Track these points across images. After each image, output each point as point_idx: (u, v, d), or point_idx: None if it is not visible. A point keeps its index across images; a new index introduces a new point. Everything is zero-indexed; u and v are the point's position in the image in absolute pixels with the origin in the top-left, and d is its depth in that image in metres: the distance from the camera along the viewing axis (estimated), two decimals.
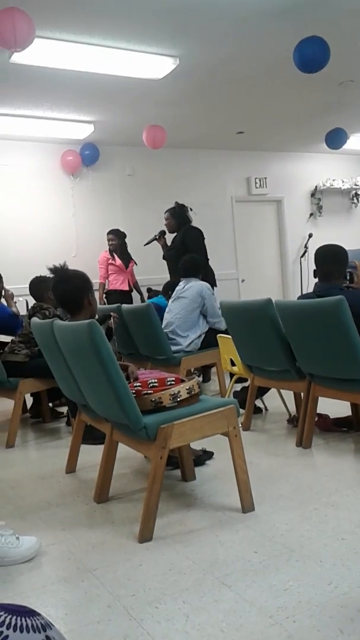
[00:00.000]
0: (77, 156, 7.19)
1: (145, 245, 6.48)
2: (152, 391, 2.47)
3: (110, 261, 6.85)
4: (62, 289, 2.90)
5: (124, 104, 5.99)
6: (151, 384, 2.65)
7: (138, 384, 2.63)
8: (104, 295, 6.89)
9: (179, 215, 5.97)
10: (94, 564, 2.13)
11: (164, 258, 6.27)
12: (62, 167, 7.20)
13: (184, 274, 4.93)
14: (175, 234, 6.03)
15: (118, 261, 6.88)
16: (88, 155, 7.23)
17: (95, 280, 6.80)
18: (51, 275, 2.94)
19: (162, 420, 2.35)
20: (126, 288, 6.97)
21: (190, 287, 4.77)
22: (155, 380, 2.69)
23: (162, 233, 6.30)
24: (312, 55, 4.07)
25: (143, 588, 1.93)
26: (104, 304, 6.51)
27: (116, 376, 2.32)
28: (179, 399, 2.47)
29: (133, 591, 1.91)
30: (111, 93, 5.61)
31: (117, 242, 6.88)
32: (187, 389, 2.51)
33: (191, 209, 6.06)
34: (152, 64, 4.93)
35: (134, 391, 2.47)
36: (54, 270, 2.94)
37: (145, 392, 2.48)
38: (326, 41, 4.13)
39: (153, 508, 2.30)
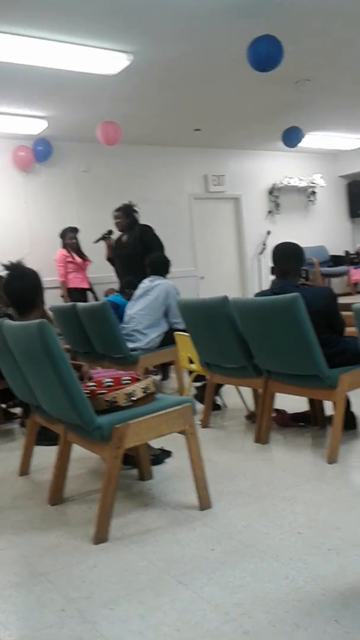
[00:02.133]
0: (29, 152, 7.04)
1: (95, 242, 6.38)
2: (106, 391, 2.43)
3: (68, 259, 6.75)
4: (18, 286, 2.82)
5: (78, 100, 5.90)
6: (106, 384, 2.61)
7: (92, 384, 2.59)
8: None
9: (130, 215, 5.90)
10: (47, 567, 2.07)
11: (108, 259, 6.24)
12: (14, 163, 7.05)
13: (152, 271, 4.91)
14: (123, 233, 5.97)
15: (78, 259, 6.79)
16: (41, 152, 7.10)
17: (53, 278, 6.69)
18: (1, 273, 2.86)
19: (117, 420, 2.31)
20: (86, 286, 6.89)
21: (157, 286, 4.75)
22: (110, 380, 2.65)
23: (110, 232, 6.23)
24: (265, 54, 4.09)
25: (98, 590, 1.89)
26: (68, 301, 6.40)
27: (68, 377, 2.27)
28: (134, 398, 2.44)
29: (87, 593, 1.87)
30: (64, 88, 5.52)
31: (77, 239, 6.81)
32: (142, 388, 2.48)
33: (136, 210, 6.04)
34: (105, 60, 4.86)
35: (87, 391, 2.43)
36: (9, 266, 2.86)
37: (100, 391, 2.43)
38: (279, 40, 4.15)
39: (108, 509, 2.26)
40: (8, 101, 5.78)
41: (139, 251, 5.61)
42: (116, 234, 6.16)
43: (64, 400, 2.32)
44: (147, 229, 5.83)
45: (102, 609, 1.78)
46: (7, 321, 2.71)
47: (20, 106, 5.97)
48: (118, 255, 5.99)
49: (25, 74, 5.00)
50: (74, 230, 6.85)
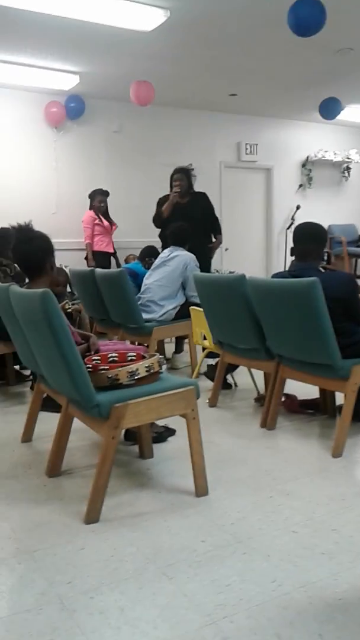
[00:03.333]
0: (62, 108, 6.89)
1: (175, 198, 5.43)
2: (109, 367, 2.36)
3: (96, 221, 6.64)
4: (25, 249, 2.73)
5: (112, 56, 5.70)
6: (110, 359, 2.55)
7: (97, 358, 2.53)
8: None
9: (190, 178, 5.46)
10: (34, 545, 2.05)
11: (164, 220, 5.40)
12: (46, 119, 6.90)
13: (172, 242, 4.78)
14: (178, 200, 5.39)
15: (105, 222, 6.68)
16: (73, 108, 6.93)
17: (78, 239, 6.61)
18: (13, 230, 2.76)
19: (117, 398, 2.25)
20: (112, 250, 6.80)
21: (176, 257, 4.63)
22: (116, 355, 2.59)
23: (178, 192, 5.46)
24: (307, 18, 3.84)
25: (81, 575, 1.85)
26: (93, 265, 6.31)
27: (69, 351, 2.19)
28: (136, 377, 2.37)
29: (70, 578, 1.84)
30: (98, 43, 5.32)
31: (106, 203, 6.68)
32: (146, 367, 2.40)
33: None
34: (141, 15, 4.65)
35: (90, 365, 2.36)
36: (17, 229, 2.77)
37: (102, 367, 2.36)
38: (322, 4, 3.89)
39: (101, 489, 2.22)
40: (40, 54, 5.62)
41: (199, 216, 5.36)
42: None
43: (63, 375, 2.26)
44: (206, 196, 5.58)
45: (83, 596, 1.74)
46: (14, 287, 2.64)
47: (55, 60, 5.80)
48: (175, 218, 5.26)
49: (58, 26, 4.83)
50: (105, 193, 6.71)
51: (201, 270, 4.51)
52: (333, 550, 1.97)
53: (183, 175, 5.44)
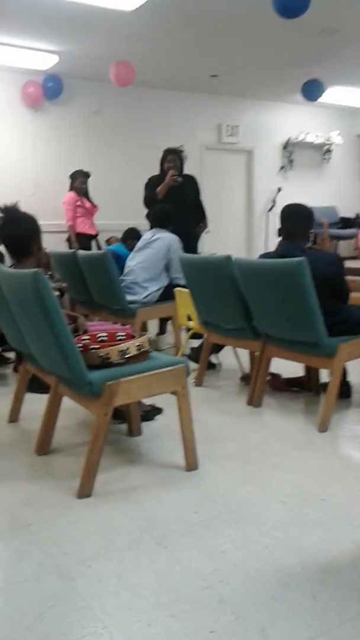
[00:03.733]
0: (39, 88, 6.79)
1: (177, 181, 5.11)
2: (99, 346, 2.38)
3: (78, 203, 6.58)
4: (12, 230, 2.73)
5: (92, 35, 5.63)
6: (100, 338, 2.55)
7: (86, 337, 2.53)
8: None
9: (181, 160, 5.22)
10: (28, 519, 2.07)
11: (158, 200, 5.09)
12: (22, 99, 6.81)
13: (155, 224, 4.77)
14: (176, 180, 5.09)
15: (88, 203, 6.63)
16: (51, 88, 6.84)
17: (57, 222, 6.55)
18: None
19: (109, 376, 2.27)
20: (94, 232, 6.76)
21: (159, 238, 4.63)
22: (105, 335, 2.59)
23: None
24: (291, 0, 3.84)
25: (77, 546, 1.89)
26: (76, 247, 6.26)
27: (61, 330, 2.21)
28: (127, 356, 2.39)
29: (67, 549, 1.87)
30: (78, 22, 5.25)
31: (86, 185, 6.62)
32: (136, 346, 2.42)
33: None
34: None
35: (81, 344, 2.38)
36: (3, 209, 2.76)
37: (93, 346, 2.38)
38: None
39: (94, 465, 2.25)
40: (18, 32, 5.52)
41: (191, 199, 5.18)
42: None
43: (56, 354, 2.27)
44: (195, 179, 5.37)
45: (80, 565, 1.78)
46: (1, 267, 2.63)
47: (31, 38, 5.70)
48: (168, 200, 5.03)
49: (37, 3, 4.75)
50: (86, 175, 6.65)
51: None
52: (322, 517, 2.03)
53: (176, 157, 5.23)
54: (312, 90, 6.66)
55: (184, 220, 4.96)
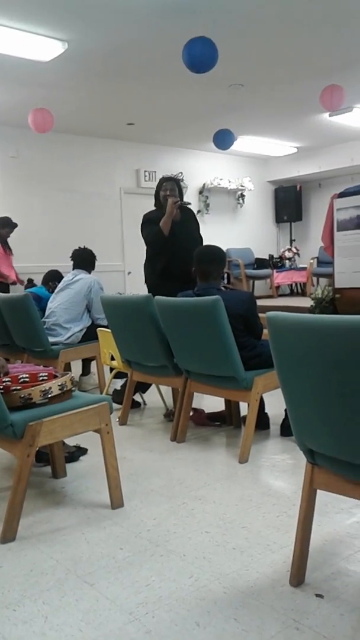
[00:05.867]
0: None
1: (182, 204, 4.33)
2: (21, 387, 2.39)
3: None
4: None
5: (9, 84, 5.73)
6: (22, 379, 2.56)
7: (7, 379, 2.53)
8: None
9: (180, 189, 4.40)
10: None
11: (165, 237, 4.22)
12: None
13: (77, 265, 4.84)
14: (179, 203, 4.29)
15: (5, 250, 6.57)
16: None
17: None
18: None
19: (31, 417, 2.28)
20: (13, 276, 6.66)
21: (80, 279, 4.69)
22: (27, 376, 2.60)
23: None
24: (200, 56, 4.13)
25: (1, 591, 1.86)
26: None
27: None
28: (49, 396, 2.41)
29: None
30: None
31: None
32: (59, 385, 2.45)
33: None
34: (39, 46, 4.75)
35: (1, 386, 2.38)
36: None
37: (14, 387, 2.39)
38: (214, 43, 4.20)
39: (17, 508, 2.23)
40: None
41: (196, 233, 4.38)
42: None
43: None
44: (193, 211, 4.61)
45: (5, 609, 1.75)
46: None
47: None
48: (174, 235, 4.22)
49: None
50: (15, 225, 6.55)
51: None
52: (243, 545, 2.11)
53: (174, 184, 4.34)
54: (223, 140, 7.03)
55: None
